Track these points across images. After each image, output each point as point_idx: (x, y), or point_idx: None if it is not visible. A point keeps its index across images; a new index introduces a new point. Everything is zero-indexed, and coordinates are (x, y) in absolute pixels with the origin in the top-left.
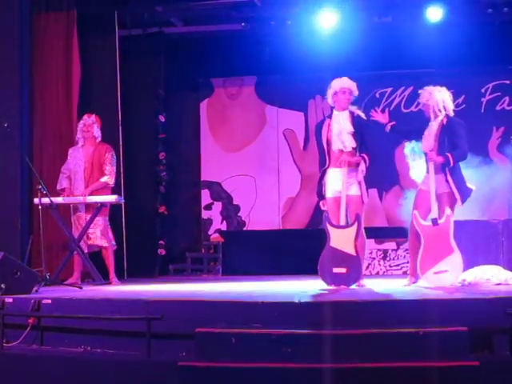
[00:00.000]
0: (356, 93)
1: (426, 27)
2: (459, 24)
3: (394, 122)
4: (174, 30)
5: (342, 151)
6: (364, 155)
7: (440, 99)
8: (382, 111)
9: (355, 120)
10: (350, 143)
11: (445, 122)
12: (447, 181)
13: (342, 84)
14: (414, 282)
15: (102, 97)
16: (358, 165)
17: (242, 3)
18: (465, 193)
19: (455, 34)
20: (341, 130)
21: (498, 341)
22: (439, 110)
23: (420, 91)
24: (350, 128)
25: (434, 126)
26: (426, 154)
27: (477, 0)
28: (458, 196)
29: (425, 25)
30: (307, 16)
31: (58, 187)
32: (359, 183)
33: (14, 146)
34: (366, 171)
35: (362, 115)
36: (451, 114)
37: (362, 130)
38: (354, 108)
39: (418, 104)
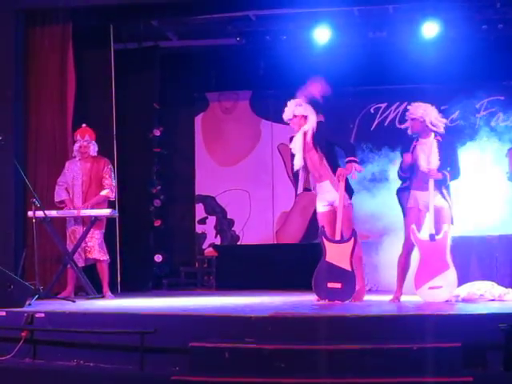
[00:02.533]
0: (298, 111)
1: (421, 43)
2: (454, 40)
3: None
4: (170, 44)
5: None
6: (351, 159)
7: (433, 115)
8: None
9: (320, 130)
10: (316, 157)
11: (441, 139)
12: (444, 197)
13: (285, 116)
14: (398, 300)
15: (96, 110)
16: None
17: (238, 18)
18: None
19: (450, 49)
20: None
21: (491, 356)
22: (433, 126)
23: (409, 107)
24: (310, 143)
25: (429, 144)
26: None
27: (472, 16)
28: (452, 212)
29: (420, 40)
30: (302, 31)
31: (57, 199)
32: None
33: (8, 158)
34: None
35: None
36: (442, 131)
37: (323, 136)
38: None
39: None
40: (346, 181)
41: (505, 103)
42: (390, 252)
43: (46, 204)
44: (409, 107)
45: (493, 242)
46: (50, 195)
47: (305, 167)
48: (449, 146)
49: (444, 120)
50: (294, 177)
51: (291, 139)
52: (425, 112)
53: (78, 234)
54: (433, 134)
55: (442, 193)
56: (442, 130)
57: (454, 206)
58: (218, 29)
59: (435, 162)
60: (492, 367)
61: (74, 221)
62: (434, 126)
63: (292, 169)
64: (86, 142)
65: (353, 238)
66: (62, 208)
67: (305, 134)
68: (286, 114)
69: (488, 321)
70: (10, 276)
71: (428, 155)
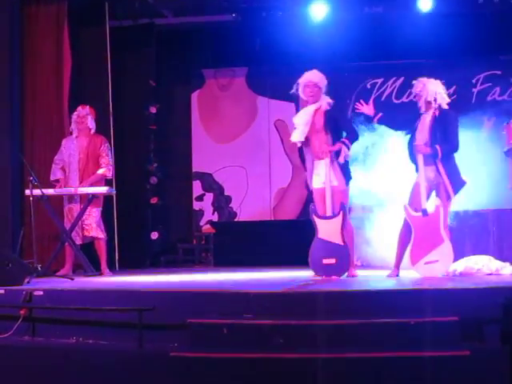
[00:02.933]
0: (323, 83)
1: (417, 18)
2: (450, 14)
3: (380, 114)
4: (165, 21)
5: (320, 142)
6: (345, 140)
7: (433, 90)
8: (373, 101)
9: (325, 109)
10: (323, 134)
11: (437, 114)
12: (439, 172)
13: (306, 78)
14: (397, 275)
15: (92, 88)
16: (338, 153)
17: None
18: (457, 184)
19: (446, 24)
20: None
21: (488, 330)
22: (431, 102)
23: (414, 82)
24: (320, 121)
25: (426, 119)
26: (416, 147)
27: None
28: (449, 187)
29: (416, 15)
30: (298, 7)
31: (52, 178)
32: (339, 172)
33: (5, 136)
34: (349, 156)
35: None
36: (445, 106)
37: (334, 116)
38: (325, 100)
39: (410, 94)
40: (346, 166)
41: (501, 78)
42: (381, 227)
43: (43, 182)
44: (413, 82)
45: (489, 217)
46: (46, 173)
47: (304, 143)
48: (447, 119)
49: (446, 96)
50: (300, 153)
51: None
52: (424, 87)
53: (75, 211)
54: (432, 109)
55: (437, 168)
56: (444, 105)
57: None
58: (213, 5)
59: (424, 137)
60: (489, 341)
61: (71, 199)
62: (433, 101)
63: (287, 146)
64: (85, 111)
65: (341, 212)
66: (56, 187)
67: (316, 111)
68: (310, 78)
69: (485, 295)
70: (8, 254)
71: (421, 130)
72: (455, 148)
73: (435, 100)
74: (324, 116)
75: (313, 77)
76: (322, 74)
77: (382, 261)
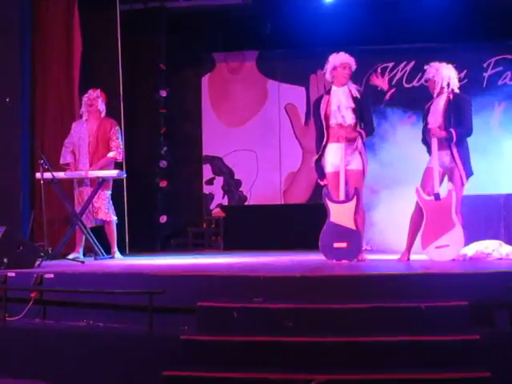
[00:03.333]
0: (354, 68)
1: (428, 1)
2: None
3: (394, 89)
4: (176, 4)
5: (340, 126)
6: (361, 131)
7: (446, 75)
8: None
9: (355, 95)
10: (349, 118)
11: (451, 98)
12: (453, 156)
13: (342, 59)
14: (408, 258)
15: (103, 71)
16: (355, 140)
17: None
18: (469, 170)
19: (457, 8)
20: (339, 105)
21: (498, 315)
22: (444, 87)
23: (426, 66)
24: (349, 103)
25: (440, 102)
26: (430, 130)
27: None
28: (463, 172)
29: None
30: None
31: (62, 161)
32: (361, 157)
33: (16, 120)
34: (363, 147)
35: (358, 95)
36: (456, 91)
37: (362, 105)
38: (353, 86)
39: (420, 79)
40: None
41: None
42: (389, 210)
43: (54, 165)
44: (426, 67)
45: (500, 201)
46: (57, 157)
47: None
48: (462, 103)
49: (455, 82)
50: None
51: (328, 93)
52: (436, 72)
53: (85, 195)
54: (445, 94)
55: (451, 153)
56: (455, 89)
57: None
58: None
59: (437, 120)
60: (499, 325)
61: (81, 182)
62: (446, 86)
63: (297, 130)
64: (95, 94)
65: (355, 197)
66: (66, 170)
67: (349, 91)
68: (350, 59)
69: (496, 279)
70: (19, 237)
71: (434, 113)
72: (469, 132)
73: (448, 84)
74: (352, 98)
75: (348, 59)
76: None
77: (390, 245)
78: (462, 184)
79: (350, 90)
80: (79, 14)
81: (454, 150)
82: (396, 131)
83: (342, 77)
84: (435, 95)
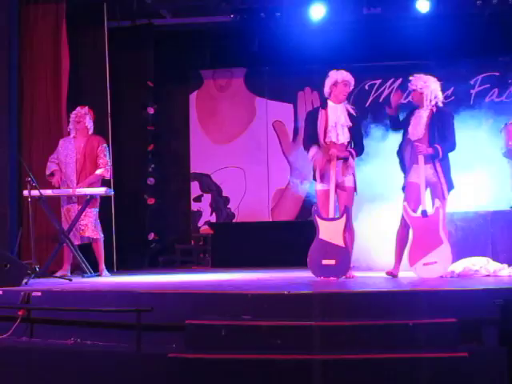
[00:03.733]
0: (352, 87)
1: (416, 19)
2: (449, 15)
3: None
4: (164, 21)
5: (333, 144)
6: (351, 150)
7: (434, 89)
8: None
9: (351, 114)
10: (343, 137)
11: (435, 112)
12: (436, 171)
13: (344, 76)
14: (395, 275)
15: (91, 88)
16: (346, 158)
17: None
18: (450, 184)
19: (445, 25)
20: (336, 123)
21: (486, 332)
22: (432, 100)
23: (411, 78)
24: (347, 121)
25: (423, 114)
26: (409, 142)
27: None
28: (445, 187)
29: (414, 16)
30: (296, 8)
31: (47, 172)
32: (353, 175)
33: (3, 137)
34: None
35: (353, 112)
36: (440, 105)
37: (357, 124)
38: (348, 105)
39: (408, 95)
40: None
41: (500, 79)
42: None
43: (41, 183)
44: (411, 78)
45: (487, 218)
46: (44, 174)
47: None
48: (444, 117)
49: (441, 96)
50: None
51: (324, 108)
52: (424, 84)
53: (72, 212)
54: (429, 106)
55: (435, 167)
56: (439, 103)
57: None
58: (212, 6)
59: (419, 132)
60: (487, 342)
61: (68, 199)
62: (433, 99)
63: (285, 147)
64: (83, 111)
65: (345, 215)
66: (52, 183)
67: (346, 109)
68: (351, 77)
69: (483, 296)
70: (6, 255)
71: (416, 125)
72: (454, 146)
73: (435, 97)
74: (349, 115)
75: (350, 78)
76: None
77: (375, 262)
78: (444, 198)
79: (347, 109)
80: (67, 31)
81: (438, 165)
82: (379, 147)
83: (341, 93)
84: (422, 106)
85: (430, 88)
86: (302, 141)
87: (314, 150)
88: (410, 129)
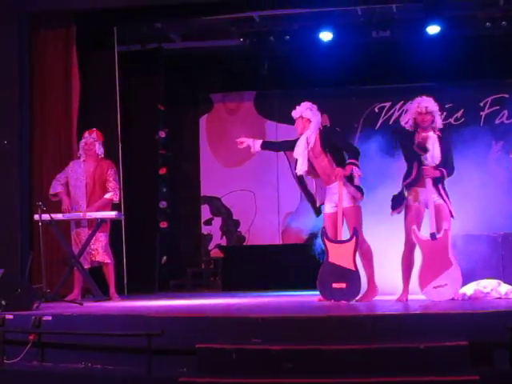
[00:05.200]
0: (305, 114)
1: (425, 41)
2: (458, 38)
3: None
4: (173, 45)
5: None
6: (352, 161)
7: (436, 111)
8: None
9: (326, 135)
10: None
11: (439, 136)
12: (440, 194)
13: (295, 112)
14: (406, 299)
15: (101, 112)
16: (350, 176)
17: (241, 19)
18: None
19: (454, 47)
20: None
21: (498, 355)
22: (435, 122)
23: (418, 98)
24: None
25: (432, 138)
26: (423, 170)
27: (475, 14)
28: (451, 208)
29: (424, 39)
30: (305, 31)
31: (52, 191)
32: (352, 192)
33: (14, 162)
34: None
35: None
36: (441, 126)
37: (335, 141)
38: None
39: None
40: (359, 185)
41: (509, 101)
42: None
43: (52, 207)
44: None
45: (498, 240)
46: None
47: (310, 172)
48: (448, 142)
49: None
50: (300, 183)
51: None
52: (435, 107)
53: (83, 236)
54: (431, 129)
55: (439, 190)
56: (440, 125)
57: (459, 205)
58: (221, 30)
59: (438, 156)
60: (499, 366)
61: (78, 223)
62: (438, 121)
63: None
64: (92, 138)
65: (355, 237)
66: (62, 209)
67: (307, 138)
68: (295, 112)
69: (495, 319)
70: (17, 279)
71: (431, 150)
72: (453, 171)
73: (437, 121)
74: (320, 142)
75: (297, 111)
76: (310, 103)
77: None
78: (452, 217)
79: (319, 131)
80: (77, 55)
81: (440, 187)
82: (393, 170)
83: (298, 128)
84: (426, 130)
85: (436, 110)
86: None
87: None
88: (429, 154)
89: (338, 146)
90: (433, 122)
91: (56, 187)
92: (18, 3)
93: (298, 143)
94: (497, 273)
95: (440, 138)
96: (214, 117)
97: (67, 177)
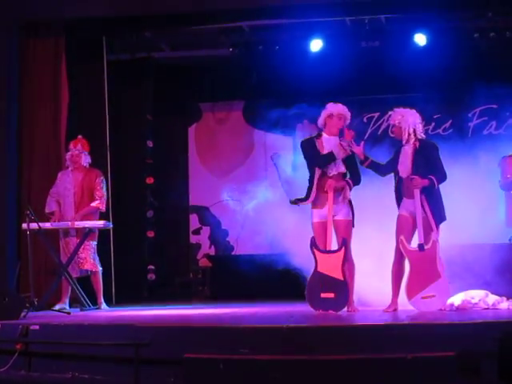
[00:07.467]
0: (348, 122)
1: (414, 52)
2: (446, 48)
3: (370, 160)
4: (163, 54)
5: (329, 175)
6: (349, 180)
7: (412, 122)
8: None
9: (345, 147)
10: (338, 168)
11: (418, 146)
12: (422, 205)
13: (340, 109)
14: (395, 309)
15: (90, 121)
16: (342, 189)
17: (231, 29)
18: (440, 217)
19: (442, 58)
20: None
21: (485, 366)
22: (411, 133)
23: (390, 113)
24: (341, 154)
25: (408, 151)
26: (401, 179)
27: (464, 25)
28: (431, 220)
29: (412, 49)
30: (295, 41)
31: (47, 210)
32: (349, 207)
33: (2, 171)
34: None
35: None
36: (422, 136)
37: (351, 155)
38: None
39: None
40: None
41: (498, 111)
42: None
43: (41, 215)
44: (390, 112)
45: (486, 251)
46: (43, 206)
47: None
48: (428, 150)
49: (421, 128)
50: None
51: (318, 138)
52: (402, 118)
53: (71, 245)
54: (411, 140)
55: (427, 201)
56: (420, 136)
57: (447, 215)
58: (211, 39)
59: (406, 169)
60: (486, 376)
61: (67, 232)
62: (411, 132)
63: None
64: (77, 151)
65: (343, 248)
66: (51, 219)
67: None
68: (344, 109)
69: (482, 329)
70: (4, 288)
71: (403, 162)
72: (445, 177)
73: (414, 131)
74: (344, 153)
75: (346, 112)
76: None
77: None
78: (432, 230)
79: (341, 142)
80: (66, 64)
81: (423, 198)
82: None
83: (334, 126)
84: (404, 142)
85: (408, 121)
86: (309, 166)
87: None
88: (400, 166)
89: (350, 163)
90: (404, 133)
91: (51, 205)
92: (7, 13)
93: (328, 141)
94: (484, 283)
95: (416, 149)
96: (203, 126)
97: (58, 191)
